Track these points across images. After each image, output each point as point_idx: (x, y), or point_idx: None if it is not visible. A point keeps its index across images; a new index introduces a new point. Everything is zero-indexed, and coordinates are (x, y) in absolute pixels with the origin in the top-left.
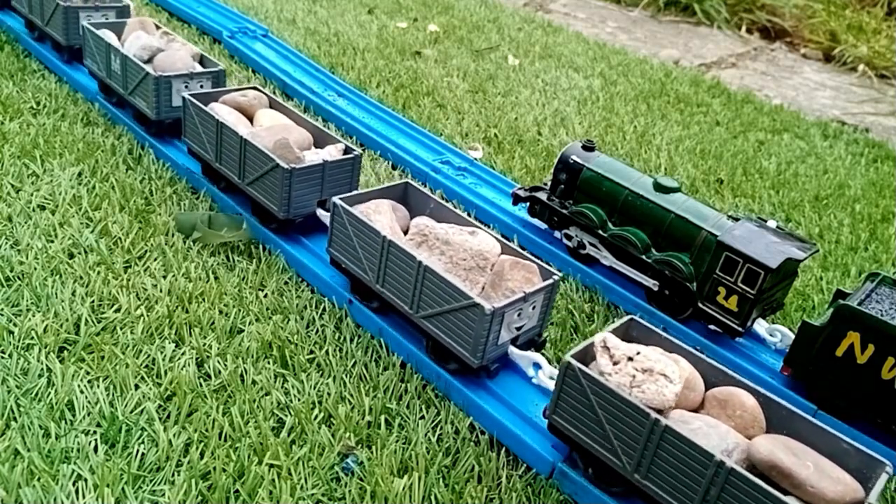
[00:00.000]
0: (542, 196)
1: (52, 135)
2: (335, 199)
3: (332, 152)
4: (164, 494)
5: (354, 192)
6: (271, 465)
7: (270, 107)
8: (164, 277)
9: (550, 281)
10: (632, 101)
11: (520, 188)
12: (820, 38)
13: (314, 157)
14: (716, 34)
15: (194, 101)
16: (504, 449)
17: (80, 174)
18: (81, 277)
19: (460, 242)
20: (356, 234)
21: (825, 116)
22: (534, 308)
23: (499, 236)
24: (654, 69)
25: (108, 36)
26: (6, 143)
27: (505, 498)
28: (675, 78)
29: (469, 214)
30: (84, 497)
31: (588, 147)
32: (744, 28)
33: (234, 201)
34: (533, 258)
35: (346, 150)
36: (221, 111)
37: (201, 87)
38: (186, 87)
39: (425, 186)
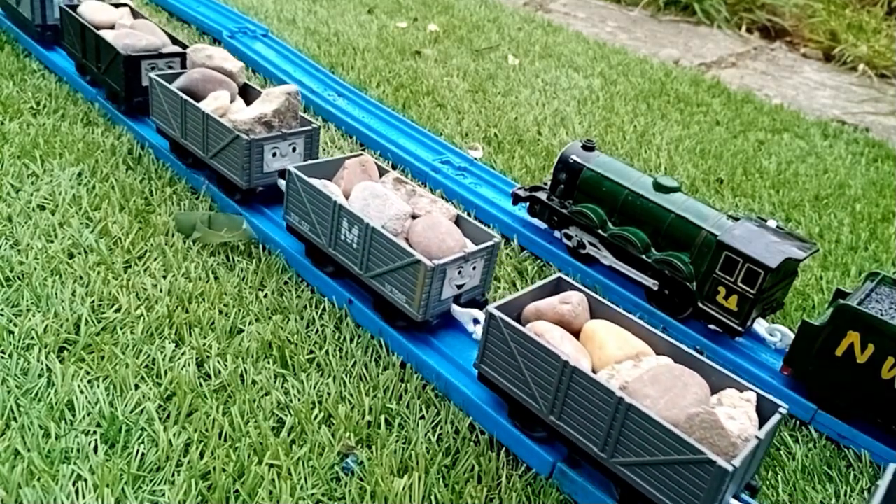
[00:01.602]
0: (542, 196)
1: (52, 135)
2: None
3: (749, 412)
4: (164, 494)
5: None
6: (271, 465)
7: (591, 311)
8: (164, 277)
9: None
10: (632, 101)
11: (520, 188)
12: (820, 38)
13: (727, 421)
14: (716, 34)
15: (508, 320)
16: (504, 449)
17: (80, 174)
18: (81, 277)
19: None
20: None
21: (825, 116)
22: None
23: None
24: (654, 69)
25: (330, 189)
26: (6, 143)
27: (505, 498)
28: (675, 77)
29: (469, 214)
30: (84, 497)
31: (588, 147)
32: (744, 28)
33: (586, 480)
34: None
35: (760, 401)
36: (553, 336)
37: (474, 268)
38: (460, 273)
39: (425, 186)
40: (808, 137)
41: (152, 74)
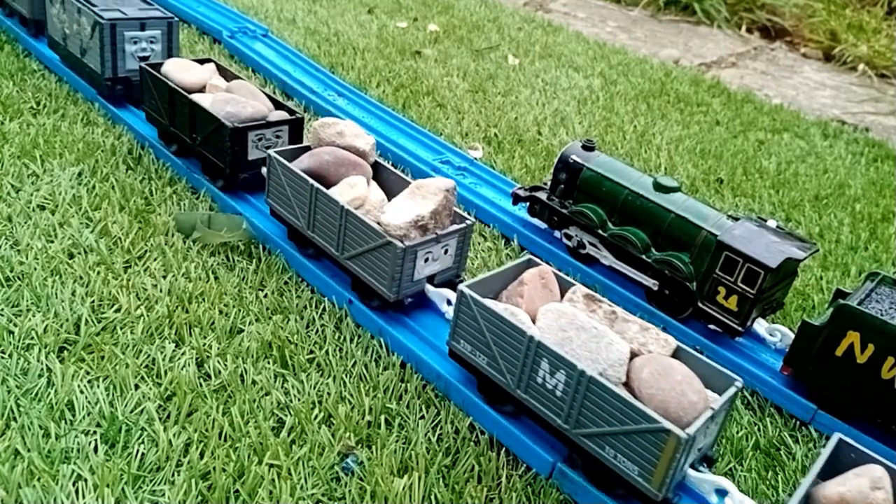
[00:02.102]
0: (542, 196)
1: (52, 135)
2: None
3: None
4: (164, 494)
5: None
6: (271, 465)
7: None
8: (164, 277)
9: None
10: (632, 101)
11: (520, 188)
12: (820, 38)
13: None
14: (716, 34)
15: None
16: (504, 449)
17: (80, 174)
18: (81, 277)
19: None
20: None
21: (825, 116)
22: None
23: None
24: (654, 69)
25: (520, 319)
26: (6, 143)
27: (505, 498)
28: (675, 77)
29: (469, 214)
30: (84, 497)
31: (588, 147)
32: (744, 27)
33: None
34: None
35: None
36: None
37: (716, 425)
38: (705, 434)
39: None
40: (808, 137)
41: (272, 153)
